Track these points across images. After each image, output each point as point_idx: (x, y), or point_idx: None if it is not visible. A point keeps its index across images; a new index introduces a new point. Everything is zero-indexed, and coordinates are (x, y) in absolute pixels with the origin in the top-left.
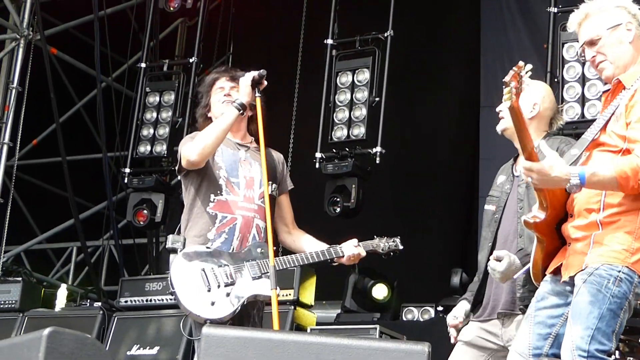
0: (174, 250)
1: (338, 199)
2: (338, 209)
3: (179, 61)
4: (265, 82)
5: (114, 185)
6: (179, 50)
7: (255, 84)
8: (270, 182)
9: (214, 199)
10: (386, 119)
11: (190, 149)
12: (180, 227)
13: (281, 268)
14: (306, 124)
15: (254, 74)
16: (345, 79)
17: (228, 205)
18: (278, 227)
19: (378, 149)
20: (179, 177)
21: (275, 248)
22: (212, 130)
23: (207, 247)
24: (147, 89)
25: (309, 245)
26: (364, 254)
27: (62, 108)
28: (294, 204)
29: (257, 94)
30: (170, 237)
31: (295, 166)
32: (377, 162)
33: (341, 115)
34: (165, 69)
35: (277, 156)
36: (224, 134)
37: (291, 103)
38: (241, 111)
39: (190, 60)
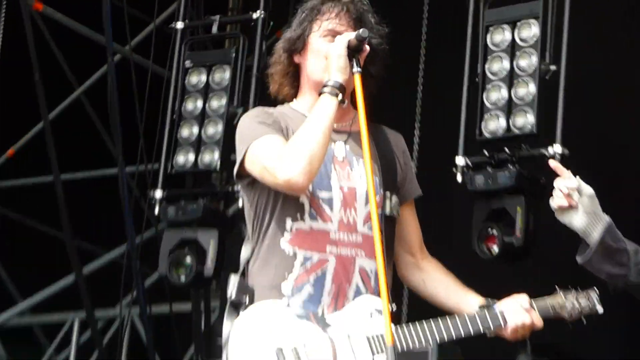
0: (237, 305)
1: (494, 232)
2: (496, 248)
3: (236, 17)
4: (368, 48)
5: (136, 217)
6: (235, 0)
7: (353, 51)
8: (386, 192)
9: (292, 228)
10: (569, 100)
11: (291, 166)
12: (246, 264)
13: (407, 347)
14: (437, 112)
15: (349, 36)
16: (500, 37)
17: (313, 237)
18: (399, 256)
19: (557, 148)
20: (237, 188)
21: (393, 306)
22: (313, 134)
23: (288, 305)
24: (188, 63)
25: (448, 292)
26: (540, 324)
27: (54, 97)
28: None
29: (356, 69)
30: (232, 279)
31: (421, 179)
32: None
33: (495, 95)
34: (215, 30)
35: (395, 140)
36: (328, 137)
37: (413, 78)
38: (342, 99)
39: (254, 16)
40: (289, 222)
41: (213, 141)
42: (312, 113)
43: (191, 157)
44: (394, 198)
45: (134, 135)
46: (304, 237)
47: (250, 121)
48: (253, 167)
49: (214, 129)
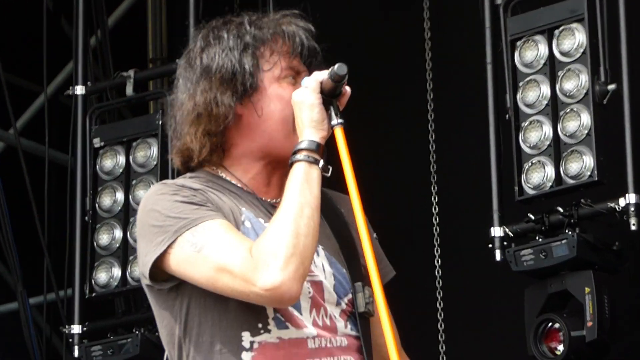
0: None
1: (556, 325)
2: (561, 348)
3: (159, 68)
4: (349, 90)
5: None
6: (156, 47)
7: (329, 97)
8: (356, 285)
9: (253, 344)
10: (639, 127)
11: (276, 269)
12: None
13: None
14: (457, 164)
15: (319, 77)
16: (532, 53)
17: (287, 352)
18: None
19: (632, 197)
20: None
21: None
22: (299, 222)
23: None
24: (97, 142)
25: None
26: None
27: None
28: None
29: (336, 121)
30: None
31: (446, 256)
32: (634, 227)
33: (535, 135)
34: (130, 91)
35: (346, 207)
36: (318, 224)
37: (422, 116)
38: (324, 167)
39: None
40: (246, 337)
41: None
42: (290, 191)
43: (116, 272)
44: (367, 290)
45: (36, 254)
46: (273, 353)
47: (166, 200)
48: (190, 268)
49: None
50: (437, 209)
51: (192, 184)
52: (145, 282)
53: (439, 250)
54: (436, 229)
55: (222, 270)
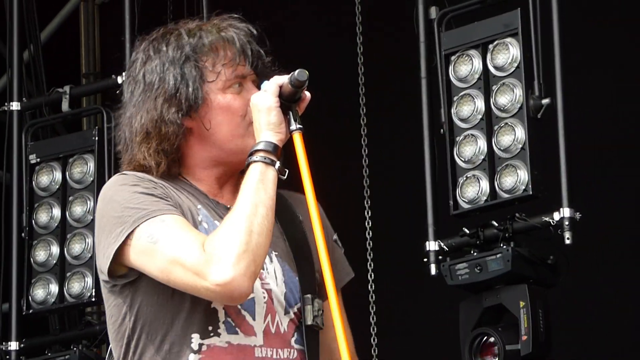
0: None
1: (491, 339)
2: None
3: (94, 84)
4: (308, 96)
5: None
6: (89, 62)
7: (288, 99)
8: (305, 297)
9: (201, 347)
10: (573, 143)
11: (228, 264)
12: None
13: None
14: (390, 178)
15: (282, 79)
16: (466, 67)
17: (234, 357)
18: None
19: (566, 211)
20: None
21: None
22: (253, 219)
23: None
24: (33, 158)
25: None
26: None
27: None
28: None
29: (295, 126)
30: None
31: (379, 270)
32: (568, 241)
33: (470, 149)
34: (65, 107)
35: (301, 209)
36: (272, 223)
37: (355, 130)
38: (281, 169)
39: (120, 80)
40: (195, 339)
41: (82, 262)
42: (245, 190)
43: (54, 288)
44: (316, 303)
45: None
46: (221, 358)
47: (126, 191)
48: (146, 259)
49: (81, 245)
50: (370, 223)
51: (153, 177)
52: (103, 277)
53: (372, 265)
54: (369, 243)
55: (175, 263)
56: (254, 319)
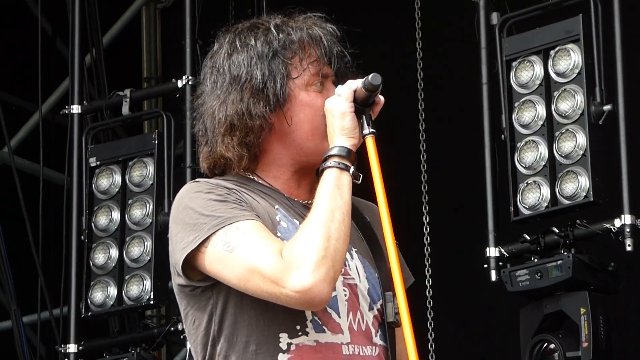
0: None
1: (551, 346)
2: None
3: (154, 88)
4: (382, 100)
5: None
6: (150, 66)
7: (361, 106)
8: (386, 294)
9: (290, 346)
10: (635, 150)
11: (307, 271)
12: None
13: None
14: (450, 183)
15: (353, 85)
16: (528, 73)
17: (323, 356)
18: None
19: (627, 218)
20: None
21: None
22: (330, 226)
23: None
24: (93, 161)
25: None
26: None
27: None
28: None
29: (368, 130)
30: None
31: (438, 281)
32: (629, 248)
33: (531, 155)
34: (125, 110)
35: (372, 216)
36: (349, 229)
37: (415, 136)
38: (355, 173)
39: (180, 84)
40: (284, 339)
41: (140, 265)
42: (321, 196)
43: (112, 291)
44: (395, 300)
45: (30, 272)
46: (310, 356)
47: (200, 198)
48: (222, 267)
49: (140, 249)
50: (428, 228)
51: (226, 184)
52: (179, 280)
53: (430, 270)
54: (427, 249)
55: (253, 271)
56: (339, 316)
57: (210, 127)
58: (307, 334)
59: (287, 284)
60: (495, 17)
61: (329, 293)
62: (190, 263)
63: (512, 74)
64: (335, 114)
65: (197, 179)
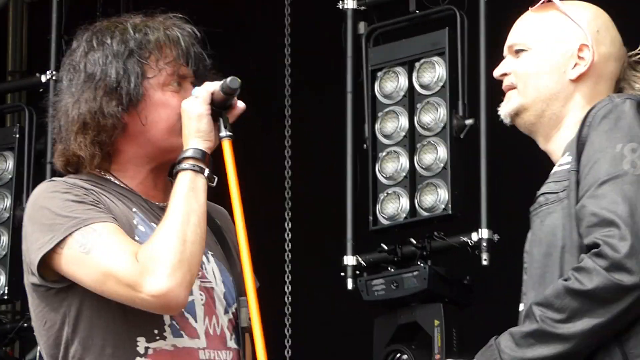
0: None
1: (405, 358)
2: None
3: (18, 82)
4: (241, 105)
5: None
6: (15, 59)
7: (219, 106)
8: (240, 298)
9: (147, 350)
10: (494, 165)
11: (163, 275)
12: None
13: None
14: (312, 191)
15: (210, 88)
16: (392, 84)
17: None
18: None
19: (484, 232)
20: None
21: None
22: (186, 229)
23: None
24: None
25: None
26: None
27: None
28: None
29: (224, 133)
30: None
31: (296, 287)
32: (485, 262)
33: (392, 166)
34: None
35: (223, 219)
36: (205, 231)
37: (280, 141)
38: (210, 177)
39: (44, 79)
40: (142, 343)
41: None
42: (176, 199)
43: None
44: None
45: None
46: None
47: (57, 198)
48: (78, 269)
49: None
50: (290, 234)
51: (84, 184)
52: (33, 279)
53: (289, 277)
54: (288, 255)
55: (108, 275)
56: (196, 320)
57: (65, 125)
58: (164, 338)
59: (142, 288)
60: (362, 27)
61: (186, 297)
62: (46, 263)
63: (376, 84)
64: (192, 115)
65: (53, 178)
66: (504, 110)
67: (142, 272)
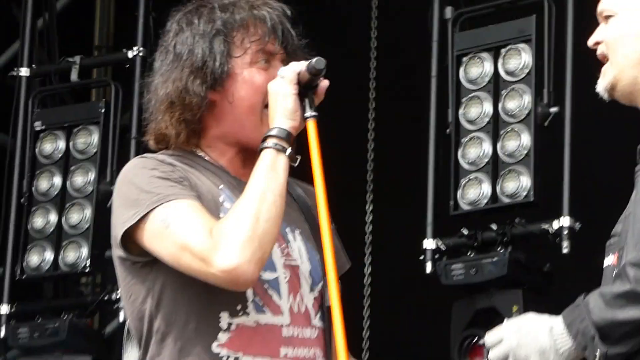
0: None
1: (482, 343)
2: None
3: (105, 57)
4: (326, 84)
5: None
6: (102, 34)
7: (304, 89)
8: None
9: (230, 325)
10: (578, 154)
11: (234, 251)
12: None
13: None
14: (394, 174)
15: (297, 67)
16: (477, 70)
17: (262, 337)
18: None
19: (565, 221)
20: (118, 296)
21: None
22: (261, 206)
23: None
24: (38, 125)
25: None
26: None
27: None
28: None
29: (309, 113)
30: None
31: (375, 268)
32: (566, 250)
33: (474, 151)
34: (74, 77)
35: (313, 198)
36: (282, 211)
37: (363, 123)
38: (291, 155)
39: (130, 54)
40: (224, 318)
41: (79, 232)
42: (255, 176)
43: (49, 255)
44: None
45: None
46: (249, 337)
47: (144, 175)
48: (157, 243)
49: (79, 215)
50: (371, 216)
51: (173, 160)
52: (119, 252)
53: (369, 258)
54: (368, 237)
55: (183, 249)
56: (280, 297)
57: (154, 104)
58: (247, 314)
59: (213, 263)
60: (449, 12)
61: (255, 274)
62: (130, 238)
63: (461, 69)
64: (278, 96)
65: (144, 154)
66: (601, 87)
67: (213, 247)
